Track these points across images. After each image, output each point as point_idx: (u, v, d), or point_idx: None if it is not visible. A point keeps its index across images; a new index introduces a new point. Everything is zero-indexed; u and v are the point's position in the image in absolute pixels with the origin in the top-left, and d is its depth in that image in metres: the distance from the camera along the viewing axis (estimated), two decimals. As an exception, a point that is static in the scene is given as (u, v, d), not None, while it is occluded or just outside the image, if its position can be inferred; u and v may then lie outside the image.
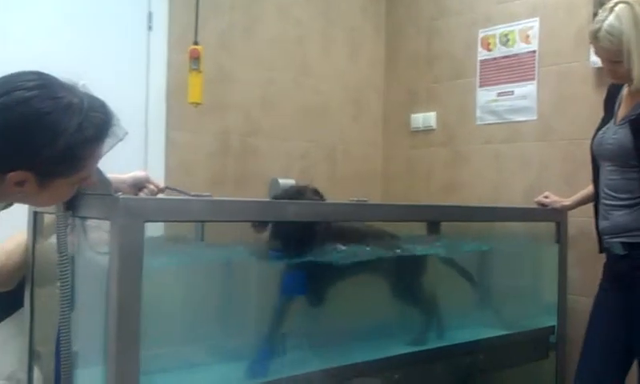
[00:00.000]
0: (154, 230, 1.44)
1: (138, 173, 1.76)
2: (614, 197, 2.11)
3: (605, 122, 2.20)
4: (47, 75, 1.17)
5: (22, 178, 1.12)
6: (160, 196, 1.78)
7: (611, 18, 1.98)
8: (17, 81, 1.12)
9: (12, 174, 1.10)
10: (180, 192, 1.80)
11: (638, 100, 2.07)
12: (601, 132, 2.18)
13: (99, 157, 1.24)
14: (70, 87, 1.17)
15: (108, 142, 1.24)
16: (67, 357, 1.41)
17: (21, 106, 1.09)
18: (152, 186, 1.77)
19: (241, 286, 1.91)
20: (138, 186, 1.74)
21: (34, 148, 1.10)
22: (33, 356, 1.75)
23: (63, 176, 1.18)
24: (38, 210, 1.72)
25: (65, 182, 1.20)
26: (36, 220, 1.74)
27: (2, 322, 1.86)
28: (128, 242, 1.31)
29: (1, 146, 1.09)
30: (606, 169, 2.15)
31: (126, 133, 1.34)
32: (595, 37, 2.02)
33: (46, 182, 1.15)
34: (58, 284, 1.41)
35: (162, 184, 1.82)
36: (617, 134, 2.09)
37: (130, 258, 1.31)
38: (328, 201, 1.94)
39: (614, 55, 2.01)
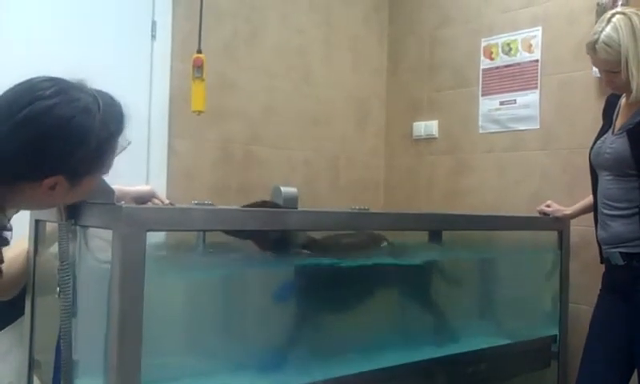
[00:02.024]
0: (155, 239, 1.44)
1: (143, 187, 1.76)
2: (613, 206, 2.11)
3: (603, 131, 2.21)
4: (59, 79, 1.19)
5: (55, 182, 1.15)
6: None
7: (608, 29, 1.99)
8: (34, 90, 1.14)
9: (47, 180, 1.14)
10: None
11: (636, 110, 2.07)
12: (599, 141, 2.18)
13: (114, 153, 1.28)
14: (80, 87, 1.20)
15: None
16: (68, 366, 1.41)
17: (46, 115, 1.12)
18: (156, 201, 1.78)
19: (243, 294, 1.90)
20: (141, 200, 1.74)
21: (66, 153, 1.14)
22: (33, 365, 1.75)
23: (92, 173, 1.22)
24: (40, 218, 1.72)
25: (92, 179, 1.24)
26: (37, 228, 1.74)
27: (3, 331, 1.86)
28: (130, 251, 1.31)
29: (35, 156, 1.12)
30: (604, 178, 2.15)
31: (130, 142, 1.35)
32: (593, 48, 2.03)
33: (77, 182, 1.19)
34: (59, 293, 1.41)
35: (166, 200, 1.83)
36: (614, 144, 2.10)
37: (131, 267, 1.31)
38: (329, 209, 1.93)
39: (611, 66, 2.02)
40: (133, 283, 1.31)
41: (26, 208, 1.41)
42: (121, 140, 1.38)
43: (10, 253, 1.80)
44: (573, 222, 2.64)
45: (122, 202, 1.44)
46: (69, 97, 1.15)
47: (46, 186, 1.15)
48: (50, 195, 1.18)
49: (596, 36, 2.01)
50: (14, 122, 1.11)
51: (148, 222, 1.35)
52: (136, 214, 1.34)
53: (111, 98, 1.24)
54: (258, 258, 1.82)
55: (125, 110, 1.26)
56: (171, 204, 1.82)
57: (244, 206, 1.78)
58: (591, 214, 2.33)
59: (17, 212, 1.42)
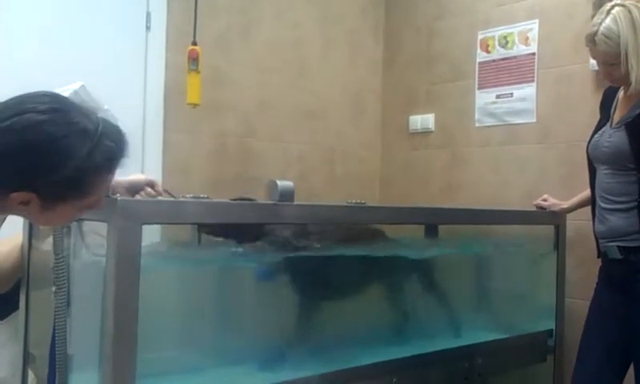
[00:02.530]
0: (150, 232, 1.43)
1: (136, 176, 1.74)
2: (610, 200, 2.11)
3: (601, 125, 2.20)
4: (62, 98, 1.14)
5: (26, 198, 1.09)
6: (159, 198, 1.77)
7: (608, 21, 1.98)
8: (30, 102, 1.09)
9: (15, 194, 1.08)
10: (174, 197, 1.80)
11: (634, 103, 2.07)
12: (597, 135, 2.18)
13: (107, 185, 1.21)
14: (87, 111, 1.13)
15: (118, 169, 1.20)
16: (62, 360, 1.40)
17: (30, 128, 1.06)
18: (149, 190, 1.76)
19: (237, 288, 1.89)
20: (135, 189, 1.73)
21: (38, 172, 1.07)
22: (27, 359, 1.74)
23: (67, 201, 1.14)
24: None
25: (69, 207, 1.16)
26: (32, 222, 1.73)
27: (-2, 325, 1.85)
28: (125, 245, 1.30)
29: (6, 166, 1.06)
30: (602, 172, 2.15)
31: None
32: (592, 40, 2.02)
33: (50, 205, 1.12)
34: (54, 287, 1.40)
35: (160, 188, 1.81)
36: (613, 137, 2.09)
37: (127, 261, 1.30)
38: (324, 202, 1.92)
39: (610, 58, 2.01)
40: (128, 276, 1.31)
41: (6, 213, 1.36)
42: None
43: (4, 247, 1.79)
44: (569, 216, 2.64)
45: (117, 195, 1.43)
46: (63, 117, 1.09)
47: (15, 199, 1.08)
48: (24, 210, 1.12)
49: (595, 28, 2.00)
50: None
51: (143, 215, 1.34)
52: (131, 207, 1.34)
53: (117, 134, 1.16)
54: (253, 251, 1.81)
55: (126, 146, 1.17)
56: (167, 192, 1.81)
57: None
58: (587, 208, 2.33)
59: (4, 220, 1.40)
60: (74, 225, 1.47)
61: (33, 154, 1.06)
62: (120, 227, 1.30)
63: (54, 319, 1.41)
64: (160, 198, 1.77)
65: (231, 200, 1.74)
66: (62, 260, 1.40)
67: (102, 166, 1.13)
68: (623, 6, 2.00)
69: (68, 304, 1.41)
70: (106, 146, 1.12)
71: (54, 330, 1.42)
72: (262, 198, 1.76)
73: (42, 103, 1.09)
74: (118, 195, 1.44)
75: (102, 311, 1.34)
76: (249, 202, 1.73)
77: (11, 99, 1.10)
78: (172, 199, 1.69)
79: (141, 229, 1.32)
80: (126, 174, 1.71)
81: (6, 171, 1.07)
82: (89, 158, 1.09)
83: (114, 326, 1.29)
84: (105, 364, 1.31)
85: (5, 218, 1.41)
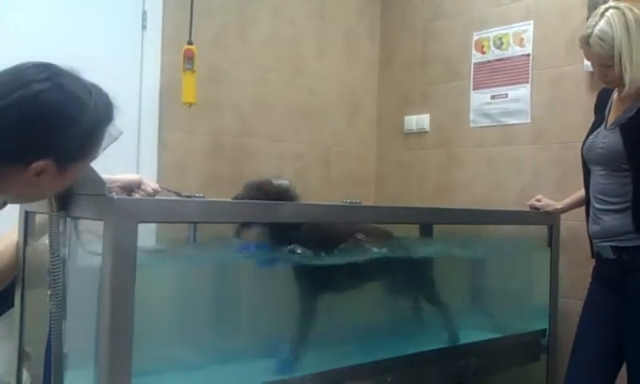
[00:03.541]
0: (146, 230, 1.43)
1: (130, 175, 1.75)
2: (605, 201, 2.12)
3: (595, 126, 2.22)
4: (51, 65, 1.19)
5: (43, 167, 1.14)
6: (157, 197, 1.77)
7: (602, 24, 2.00)
8: (27, 74, 1.14)
9: (35, 164, 1.13)
10: (172, 192, 1.80)
11: (629, 104, 2.08)
12: (591, 136, 2.19)
13: (102, 140, 1.27)
14: (72, 74, 1.20)
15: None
16: (58, 358, 1.40)
17: (41, 96, 1.12)
18: (148, 189, 1.76)
19: (234, 286, 1.90)
20: (130, 188, 1.73)
21: (56, 136, 1.14)
22: (22, 357, 1.73)
23: (81, 159, 1.22)
24: (30, 209, 1.70)
25: (80, 166, 1.23)
26: (27, 220, 1.72)
27: (-8, 323, 1.84)
28: (121, 243, 1.30)
29: (25, 138, 1.12)
30: (597, 173, 2.16)
31: (122, 132, 1.34)
32: (586, 42, 2.03)
33: (64, 168, 1.18)
34: (50, 285, 1.39)
35: (155, 185, 1.81)
36: (607, 139, 2.11)
37: (123, 259, 1.30)
38: (320, 202, 1.92)
39: (605, 60, 2.02)
40: (124, 274, 1.31)
41: (12, 201, 1.39)
42: (112, 130, 1.37)
43: (-1, 244, 1.79)
44: (562, 216, 2.66)
45: (113, 194, 1.43)
46: (62, 81, 1.16)
47: (32, 171, 1.14)
48: (35, 183, 1.17)
49: (589, 30, 2.02)
50: (2, 104, 1.10)
51: (140, 213, 1.35)
52: (128, 206, 1.34)
53: (100, 88, 1.24)
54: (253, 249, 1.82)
55: (113, 100, 1.25)
56: (162, 188, 1.81)
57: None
58: (581, 209, 2.34)
59: (4, 205, 1.40)
60: (69, 223, 1.47)
61: (48, 120, 1.12)
62: (116, 225, 1.30)
63: (50, 317, 1.41)
64: (158, 197, 1.77)
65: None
66: (57, 258, 1.40)
67: (106, 118, 1.22)
68: (617, 8, 2.02)
69: (64, 302, 1.41)
70: (102, 96, 1.21)
71: (50, 328, 1.42)
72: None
73: (40, 72, 1.15)
74: (114, 194, 1.44)
75: (97, 309, 1.34)
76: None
77: (3, 75, 1.14)
78: (175, 196, 1.70)
79: (137, 227, 1.32)
80: (120, 173, 1.72)
81: (23, 143, 1.12)
82: (95, 113, 1.18)
83: (110, 323, 1.29)
84: (101, 362, 1.31)
85: (5, 204, 1.40)
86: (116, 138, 1.41)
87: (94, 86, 1.22)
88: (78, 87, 1.18)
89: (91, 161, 1.26)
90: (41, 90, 1.12)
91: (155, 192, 1.77)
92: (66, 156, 1.17)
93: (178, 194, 1.79)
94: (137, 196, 1.72)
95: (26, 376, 1.75)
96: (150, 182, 1.80)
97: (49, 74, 1.15)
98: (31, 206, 1.67)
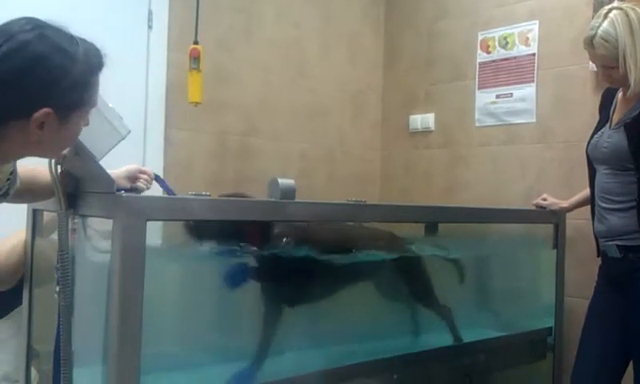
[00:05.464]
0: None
1: (130, 166, 1.76)
2: (610, 200, 2.12)
3: (600, 125, 2.22)
4: (36, 18, 1.20)
5: (44, 117, 1.13)
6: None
7: (605, 25, 2.00)
8: (13, 27, 1.15)
9: (36, 114, 1.12)
10: (165, 187, 1.82)
11: (633, 104, 2.08)
12: (596, 136, 2.19)
13: (98, 88, 1.28)
14: (58, 27, 1.21)
15: (105, 118, 1.32)
16: (67, 356, 1.40)
17: (28, 46, 1.12)
18: (146, 176, 1.78)
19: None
20: (132, 178, 1.74)
21: (51, 81, 1.13)
22: (31, 355, 1.74)
23: (79, 107, 1.21)
24: (38, 207, 1.72)
25: (79, 116, 1.22)
26: (35, 218, 1.74)
27: (1, 321, 1.85)
28: (130, 241, 1.31)
29: (20, 90, 1.11)
30: (602, 172, 2.16)
31: (129, 131, 1.34)
32: (590, 43, 2.03)
33: (66, 116, 1.18)
34: (58, 283, 1.40)
35: (151, 172, 1.83)
36: (612, 138, 2.11)
37: (132, 257, 1.31)
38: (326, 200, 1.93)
39: (609, 61, 2.03)
40: (133, 272, 1.31)
41: (14, 157, 1.37)
42: (120, 128, 1.37)
43: (8, 243, 1.80)
44: (568, 215, 2.65)
45: (122, 192, 1.44)
46: (49, 31, 1.17)
47: (35, 122, 1.13)
48: (40, 139, 1.16)
49: (593, 31, 2.02)
50: None
51: (148, 211, 1.35)
52: (136, 204, 1.34)
53: (86, 39, 1.25)
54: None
55: (102, 49, 1.27)
56: (157, 177, 1.83)
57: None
58: (586, 208, 2.34)
59: (4, 197, 1.39)
60: (78, 222, 1.48)
61: (41, 67, 1.12)
62: (125, 223, 1.30)
63: (58, 315, 1.41)
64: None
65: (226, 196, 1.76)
66: (66, 256, 1.41)
67: (96, 65, 1.23)
68: (620, 9, 2.02)
69: (72, 299, 1.42)
70: (90, 44, 1.23)
71: (58, 326, 1.42)
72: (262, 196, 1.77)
73: (25, 24, 1.16)
74: (123, 192, 1.45)
75: (106, 307, 1.35)
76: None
77: None
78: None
79: (145, 225, 1.33)
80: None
81: (21, 93, 1.12)
82: (86, 58, 1.19)
83: (119, 321, 1.30)
84: (110, 359, 1.32)
85: (5, 196, 1.39)
86: (124, 137, 1.42)
87: (80, 38, 1.23)
88: (63, 37, 1.18)
89: (90, 108, 1.26)
90: (27, 40, 1.12)
91: (150, 177, 1.79)
92: (64, 104, 1.16)
93: (170, 192, 1.81)
94: (140, 183, 1.74)
95: (34, 374, 1.76)
96: (146, 169, 1.82)
97: (33, 25, 1.16)
98: (39, 204, 1.68)
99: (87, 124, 1.28)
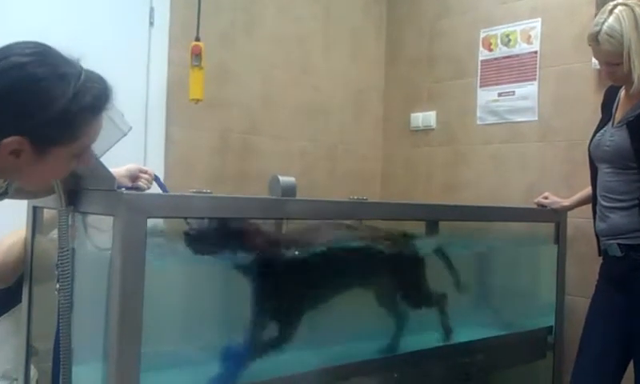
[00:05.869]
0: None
1: (131, 165, 1.75)
2: (612, 198, 2.11)
3: (602, 124, 2.21)
4: (47, 45, 1.17)
5: (17, 145, 1.09)
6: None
7: (611, 20, 1.98)
8: (14, 47, 1.12)
9: (6, 140, 1.07)
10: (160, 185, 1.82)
11: (636, 102, 2.07)
12: (599, 134, 2.18)
13: (96, 132, 1.21)
14: (69, 59, 1.17)
15: (106, 115, 1.23)
16: (66, 353, 1.40)
17: (15, 70, 1.09)
18: (147, 176, 1.78)
19: (242, 283, 1.90)
20: (133, 177, 1.74)
21: (28, 111, 1.09)
22: (30, 353, 1.74)
23: (59, 143, 1.14)
24: (38, 204, 1.71)
25: (61, 153, 1.16)
26: (35, 215, 1.73)
27: (0, 319, 1.85)
28: (131, 238, 1.30)
29: None
30: (604, 171, 2.15)
31: (131, 127, 1.34)
32: (595, 39, 2.01)
33: (42, 150, 1.12)
34: (58, 279, 1.40)
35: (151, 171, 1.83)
36: (614, 136, 2.10)
37: (132, 254, 1.31)
38: (328, 198, 1.92)
39: (613, 57, 2.01)
40: (133, 269, 1.31)
41: (11, 195, 1.35)
42: (122, 125, 1.37)
43: (7, 240, 1.80)
44: (569, 213, 2.65)
45: (123, 189, 1.44)
46: (47, 60, 1.13)
47: (6, 147, 1.08)
48: (15, 165, 1.11)
49: (598, 27, 2.00)
50: None
51: (149, 208, 1.35)
52: (137, 201, 1.34)
53: (100, 79, 1.20)
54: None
55: (110, 92, 1.20)
56: (156, 177, 1.83)
57: None
58: (588, 206, 2.33)
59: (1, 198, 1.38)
60: (78, 218, 1.47)
61: (19, 94, 1.08)
62: (126, 220, 1.30)
63: (58, 313, 1.41)
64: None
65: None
66: (66, 253, 1.40)
67: (89, 106, 1.15)
68: (626, 5, 2.00)
69: (72, 296, 1.42)
70: (92, 87, 1.16)
71: (58, 323, 1.42)
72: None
73: (27, 47, 1.13)
74: (124, 189, 1.45)
75: (106, 304, 1.35)
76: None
77: None
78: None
79: (146, 222, 1.32)
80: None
81: None
82: (75, 97, 1.12)
83: (120, 318, 1.30)
84: (110, 356, 1.32)
85: (2, 195, 1.37)
86: (125, 134, 1.42)
87: (90, 72, 1.18)
88: (63, 68, 1.13)
89: (82, 148, 1.19)
90: (21, 63, 1.09)
91: (151, 177, 1.79)
92: (41, 137, 1.11)
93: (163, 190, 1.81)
94: (140, 182, 1.74)
95: (33, 371, 1.76)
96: (146, 168, 1.82)
97: (36, 51, 1.13)
98: (40, 202, 1.67)
99: (87, 165, 1.24)
